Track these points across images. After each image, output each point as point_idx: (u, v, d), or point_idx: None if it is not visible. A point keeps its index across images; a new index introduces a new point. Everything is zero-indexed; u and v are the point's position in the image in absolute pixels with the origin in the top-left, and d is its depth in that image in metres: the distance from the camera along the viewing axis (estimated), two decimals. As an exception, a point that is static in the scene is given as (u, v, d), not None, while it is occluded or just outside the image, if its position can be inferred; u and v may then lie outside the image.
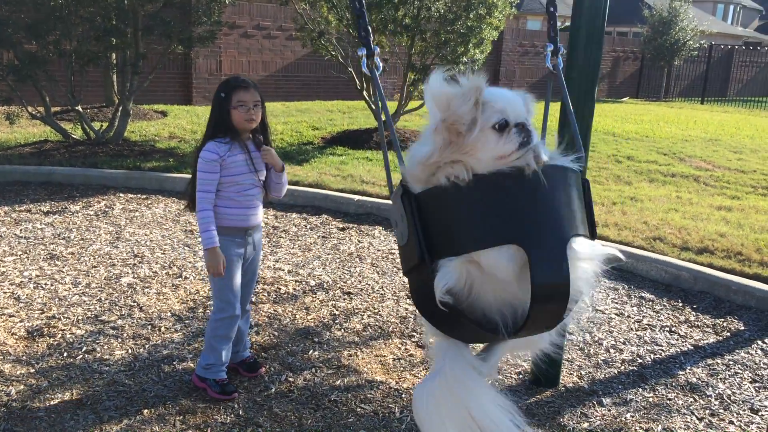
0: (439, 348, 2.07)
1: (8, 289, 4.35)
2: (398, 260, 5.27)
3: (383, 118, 2.12)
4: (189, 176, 3.36)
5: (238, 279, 3.22)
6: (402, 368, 3.61)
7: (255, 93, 3.09)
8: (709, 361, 3.91)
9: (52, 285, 4.45)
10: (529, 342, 2.09)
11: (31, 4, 7.48)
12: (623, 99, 24.38)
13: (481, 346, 2.22)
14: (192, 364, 3.49)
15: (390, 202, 2.00)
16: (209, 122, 3.16)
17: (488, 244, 1.78)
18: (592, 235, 2.00)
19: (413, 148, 1.94)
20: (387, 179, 2.16)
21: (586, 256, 1.91)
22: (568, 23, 3.41)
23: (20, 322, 3.89)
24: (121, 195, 6.86)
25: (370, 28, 2.16)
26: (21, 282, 4.47)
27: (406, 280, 4.80)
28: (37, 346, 3.63)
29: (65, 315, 4.01)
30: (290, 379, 3.42)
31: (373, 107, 10.48)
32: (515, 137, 1.82)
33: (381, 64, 2.17)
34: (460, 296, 1.83)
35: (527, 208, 1.79)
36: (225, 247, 3.12)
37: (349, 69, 10.38)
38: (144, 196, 6.85)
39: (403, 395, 3.33)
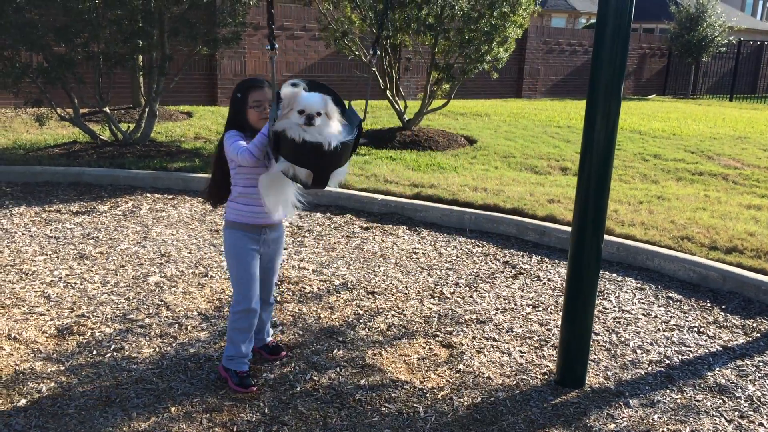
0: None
1: (39, 288, 4.43)
2: (422, 259, 5.29)
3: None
4: None
5: (255, 273, 3.28)
6: (426, 368, 3.61)
7: (269, 91, 3.18)
8: (739, 362, 3.85)
9: (81, 284, 4.52)
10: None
11: (60, 7, 7.61)
12: (650, 96, 24.09)
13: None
14: (218, 363, 3.52)
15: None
16: (228, 121, 3.27)
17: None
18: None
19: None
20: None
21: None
22: (593, 20, 3.38)
23: (50, 320, 3.96)
24: (148, 195, 6.94)
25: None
26: (51, 281, 4.55)
27: (430, 279, 4.81)
28: (67, 344, 3.69)
29: (94, 313, 4.07)
30: (315, 378, 3.44)
31: (396, 107, 10.49)
32: (303, 118, 2.99)
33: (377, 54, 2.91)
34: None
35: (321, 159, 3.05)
36: (241, 240, 3.23)
37: (373, 69, 10.39)
38: (170, 196, 6.93)
39: (427, 395, 3.33)
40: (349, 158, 3.23)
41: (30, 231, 5.61)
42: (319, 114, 3.04)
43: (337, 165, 3.17)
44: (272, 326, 3.83)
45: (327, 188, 3.22)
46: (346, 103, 3.33)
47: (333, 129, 3.11)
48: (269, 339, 3.66)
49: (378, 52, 3.60)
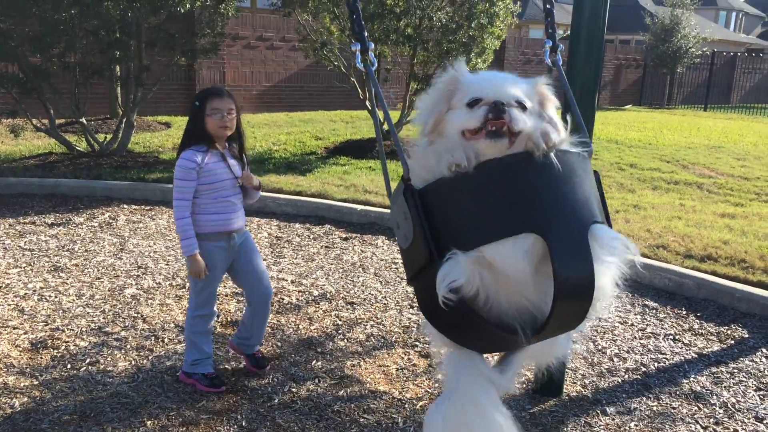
0: (450, 362, 1.93)
1: (12, 301, 4.36)
2: (401, 269, 5.27)
3: (381, 119, 2.12)
4: None
5: (217, 282, 3.38)
6: (405, 378, 3.60)
7: (229, 101, 3.21)
8: (714, 370, 3.90)
9: (56, 297, 4.46)
10: (549, 347, 1.97)
11: (36, 17, 7.54)
12: (626, 107, 24.39)
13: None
14: (178, 372, 3.49)
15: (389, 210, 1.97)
16: (185, 132, 3.29)
17: (499, 234, 1.63)
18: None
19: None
20: (385, 179, 2.12)
21: (609, 246, 1.72)
22: (569, 32, 3.42)
23: (24, 334, 3.90)
24: (125, 206, 6.88)
25: (363, 23, 2.17)
26: (25, 294, 4.48)
27: (410, 289, 4.81)
28: (41, 358, 3.64)
29: (69, 327, 4.02)
30: (293, 389, 3.42)
31: (376, 117, 10.51)
32: (481, 111, 1.76)
33: (375, 60, 2.17)
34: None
35: (541, 193, 1.64)
36: (209, 252, 3.25)
37: (352, 79, 10.42)
38: (148, 208, 6.88)
39: (406, 405, 3.33)
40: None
41: (4, 243, 5.53)
42: (523, 106, 1.79)
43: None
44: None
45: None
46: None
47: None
48: (257, 348, 3.62)
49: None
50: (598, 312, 1.82)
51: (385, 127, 2.16)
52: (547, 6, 2.50)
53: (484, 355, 1.97)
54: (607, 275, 1.74)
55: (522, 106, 1.79)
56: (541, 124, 1.75)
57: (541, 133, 1.71)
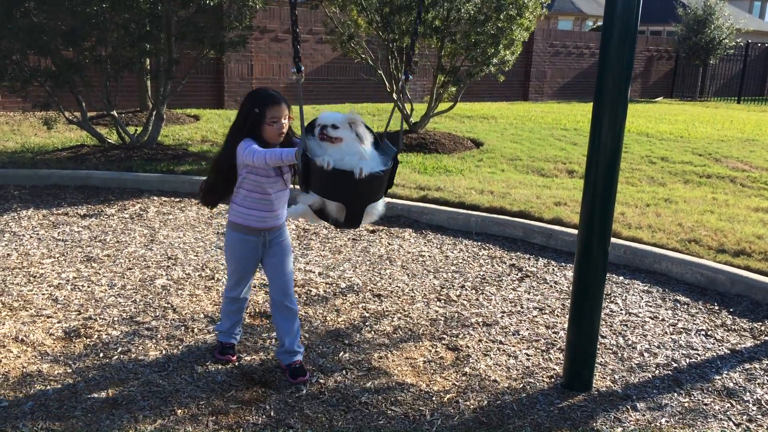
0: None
1: (46, 290, 4.45)
2: (429, 262, 5.28)
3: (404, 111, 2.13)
4: None
5: (247, 271, 3.46)
6: (432, 371, 3.60)
7: (286, 108, 3.20)
8: (747, 366, 3.83)
9: (88, 286, 4.54)
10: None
11: (68, 11, 7.64)
12: (657, 99, 24.02)
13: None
14: (222, 366, 3.53)
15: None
16: (239, 129, 3.21)
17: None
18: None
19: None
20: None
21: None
22: (600, 23, 3.37)
23: (58, 323, 3.97)
24: (155, 198, 6.96)
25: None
26: (59, 284, 4.57)
27: (436, 282, 4.80)
28: (74, 346, 3.70)
29: (101, 316, 4.09)
30: (321, 380, 3.44)
31: (403, 110, 10.49)
32: (317, 131, 3.01)
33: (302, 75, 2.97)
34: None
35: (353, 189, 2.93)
36: (239, 241, 3.35)
37: (379, 72, 10.40)
38: (177, 199, 6.95)
39: (433, 398, 3.33)
40: (384, 192, 3.11)
41: (38, 234, 5.64)
42: (335, 127, 2.94)
43: (371, 198, 3.02)
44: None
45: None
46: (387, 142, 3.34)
47: (364, 154, 2.96)
48: (296, 359, 3.45)
49: (411, 77, 3.57)
50: None
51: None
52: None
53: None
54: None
55: (334, 126, 3.01)
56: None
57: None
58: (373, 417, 3.14)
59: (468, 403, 3.31)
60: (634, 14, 3.13)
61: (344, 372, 3.54)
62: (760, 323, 4.41)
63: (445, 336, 4.02)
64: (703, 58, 24.66)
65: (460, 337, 4.03)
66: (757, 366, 3.83)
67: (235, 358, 3.59)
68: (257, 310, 4.26)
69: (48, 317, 4.04)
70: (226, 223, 3.47)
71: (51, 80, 7.89)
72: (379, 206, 3.16)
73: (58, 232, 5.70)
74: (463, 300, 4.60)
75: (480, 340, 3.99)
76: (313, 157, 2.91)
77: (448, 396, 3.36)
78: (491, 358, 3.78)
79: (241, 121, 3.22)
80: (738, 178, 8.68)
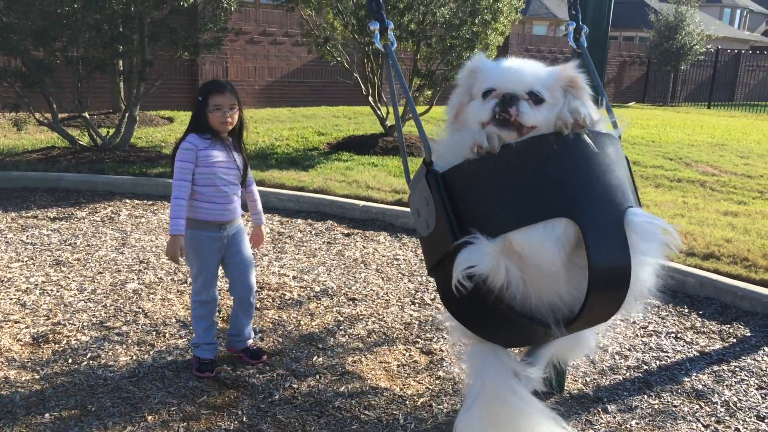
0: (473, 356, 1.84)
1: (14, 295, 4.37)
2: (403, 266, 5.27)
3: (398, 112, 2.06)
4: None
5: (210, 269, 3.42)
6: (406, 375, 3.60)
7: (231, 97, 3.28)
8: (715, 368, 3.89)
9: (57, 291, 4.46)
10: (576, 341, 1.91)
11: (38, 11, 7.53)
12: (629, 104, 24.33)
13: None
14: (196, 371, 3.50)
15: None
16: (190, 122, 3.36)
17: (528, 219, 1.51)
18: None
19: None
20: (404, 164, 2.05)
21: (645, 232, 1.60)
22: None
23: (26, 328, 3.90)
24: (128, 201, 6.88)
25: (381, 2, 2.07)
26: (27, 288, 4.49)
27: (411, 286, 4.80)
28: (42, 352, 3.64)
29: (70, 321, 4.02)
30: (294, 385, 3.42)
31: (378, 113, 10.50)
32: (490, 104, 1.70)
33: (395, 40, 2.07)
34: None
35: (572, 175, 1.52)
36: (200, 239, 3.34)
37: (355, 75, 10.40)
38: (150, 202, 6.88)
39: (407, 402, 3.33)
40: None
41: (6, 237, 5.54)
42: (538, 98, 1.72)
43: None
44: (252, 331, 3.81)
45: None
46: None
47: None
48: (250, 342, 3.67)
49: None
50: (632, 306, 1.74)
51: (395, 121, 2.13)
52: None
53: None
54: (645, 266, 1.66)
55: (537, 99, 1.71)
56: (563, 111, 1.66)
57: (570, 111, 1.63)
58: (346, 422, 3.13)
59: (441, 406, 3.31)
60: (604, 19, 3.16)
61: (318, 376, 3.52)
62: (729, 326, 4.48)
63: (419, 340, 4.03)
64: (674, 64, 25.04)
65: (434, 340, 4.03)
66: (725, 368, 3.89)
67: (214, 374, 3.45)
68: (229, 314, 4.22)
69: (16, 322, 3.97)
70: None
71: (21, 81, 7.77)
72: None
73: (27, 236, 5.60)
74: (438, 303, 4.61)
75: (454, 344, 4.00)
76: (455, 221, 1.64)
77: (421, 400, 3.36)
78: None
79: (193, 112, 3.36)
80: (708, 182, 8.82)
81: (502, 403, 1.73)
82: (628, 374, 3.75)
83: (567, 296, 1.60)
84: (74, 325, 3.98)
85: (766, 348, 4.16)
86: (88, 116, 8.63)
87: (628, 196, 1.59)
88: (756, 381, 3.73)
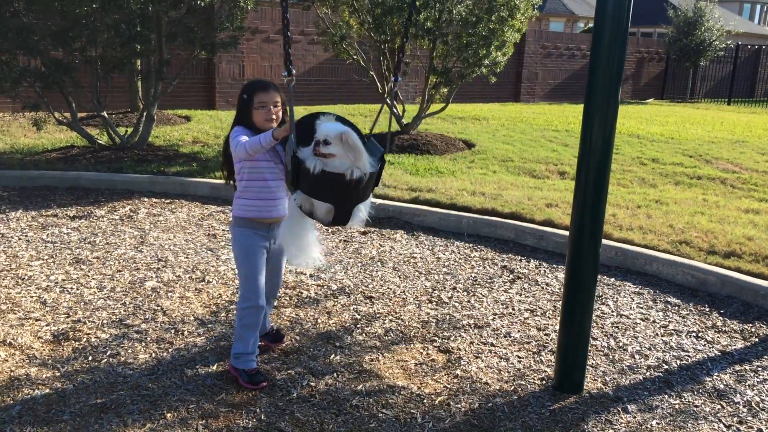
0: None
1: (35, 293, 4.41)
2: (420, 263, 5.27)
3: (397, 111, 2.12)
4: (213, 181, 3.47)
5: (262, 269, 3.36)
6: (423, 373, 3.59)
7: (275, 94, 3.28)
8: (737, 367, 3.84)
9: (77, 289, 4.50)
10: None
11: (57, 11, 7.59)
12: (648, 100, 24.12)
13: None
14: (215, 368, 3.51)
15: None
16: (235, 119, 3.37)
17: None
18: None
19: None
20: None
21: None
22: (591, 24, 3.38)
23: (46, 325, 3.94)
24: (146, 199, 6.93)
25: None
26: (47, 286, 4.53)
27: (427, 284, 4.80)
28: (63, 349, 3.67)
29: (90, 319, 4.05)
30: (312, 383, 3.42)
31: (395, 111, 10.49)
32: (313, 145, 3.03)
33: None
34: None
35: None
36: (249, 237, 3.32)
37: (371, 73, 10.39)
38: (168, 201, 6.92)
39: (424, 400, 3.32)
40: (372, 192, 3.19)
41: (26, 236, 5.59)
42: (327, 143, 2.97)
43: (360, 199, 3.10)
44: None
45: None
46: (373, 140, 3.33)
47: (358, 161, 3.03)
48: (270, 325, 3.78)
49: (400, 79, 3.59)
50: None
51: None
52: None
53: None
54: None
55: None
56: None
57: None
58: (364, 420, 3.12)
59: (459, 405, 3.30)
60: (624, 15, 3.13)
61: (335, 375, 3.52)
62: (750, 325, 4.42)
63: (436, 338, 4.01)
64: (693, 60, 24.79)
65: (452, 339, 4.02)
66: (747, 367, 3.84)
67: (266, 383, 3.35)
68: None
69: (36, 320, 4.01)
70: (231, 221, 3.43)
71: (40, 81, 7.84)
72: (367, 205, 3.21)
73: (47, 234, 5.65)
74: (455, 302, 4.59)
75: (471, 342, 3.99)
76: (303, 158, 2.97)
77: (439, 398, 3.35)
78: (482, 361, 3.77)
79: (237, 110, 3.36)
80: (728, 180, 8.71)
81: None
82: (648, 374, 3.71)
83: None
84: (94, 322, 4.01)
85: (789, 347, 4.10)
86: (106, 115, 8.70)
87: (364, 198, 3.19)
88: (779, 381, 3.68)
